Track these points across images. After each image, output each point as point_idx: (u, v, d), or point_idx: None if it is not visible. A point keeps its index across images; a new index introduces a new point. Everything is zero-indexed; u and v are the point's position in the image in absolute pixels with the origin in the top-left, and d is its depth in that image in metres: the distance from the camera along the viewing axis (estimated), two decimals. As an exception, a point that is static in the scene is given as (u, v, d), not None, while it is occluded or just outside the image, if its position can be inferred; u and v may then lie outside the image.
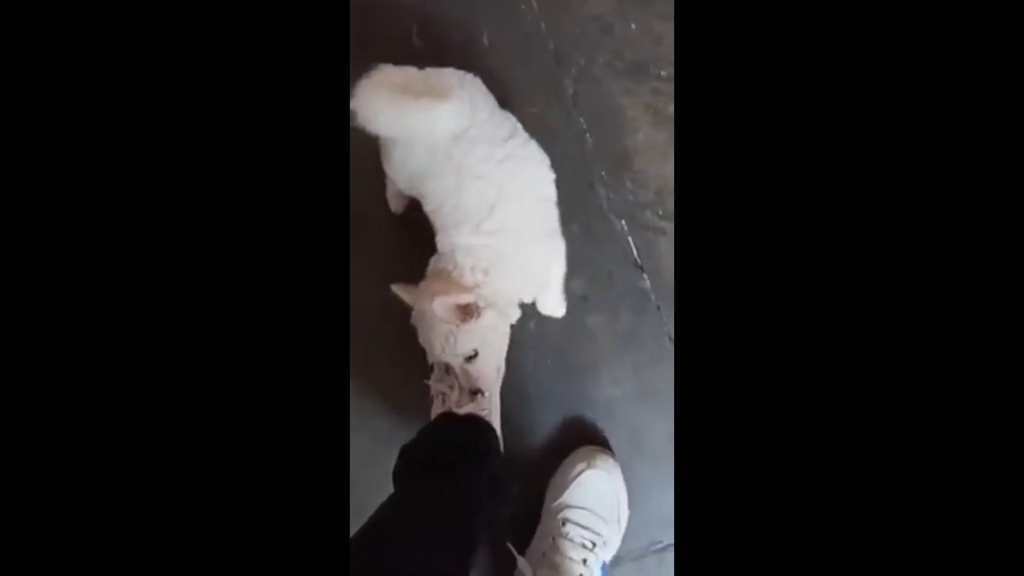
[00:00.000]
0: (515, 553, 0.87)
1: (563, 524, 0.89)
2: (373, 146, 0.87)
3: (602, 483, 0.91)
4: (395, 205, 0.98)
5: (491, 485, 0.81)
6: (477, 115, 0.80)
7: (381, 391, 0.99)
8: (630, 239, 1.01)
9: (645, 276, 1.00)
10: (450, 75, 0.82)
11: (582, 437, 0.98)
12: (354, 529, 0.69)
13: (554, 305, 0.96)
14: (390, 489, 0.77)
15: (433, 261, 0.84)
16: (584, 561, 0.87)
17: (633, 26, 1.03)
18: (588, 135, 1.02)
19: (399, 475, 0.80)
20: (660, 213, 1.01)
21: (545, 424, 0.99)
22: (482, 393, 0.87)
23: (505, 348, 0.87)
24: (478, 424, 0.86)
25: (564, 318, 0.98)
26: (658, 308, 1.00)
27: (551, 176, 0.85)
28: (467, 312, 0.79)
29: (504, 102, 0.86)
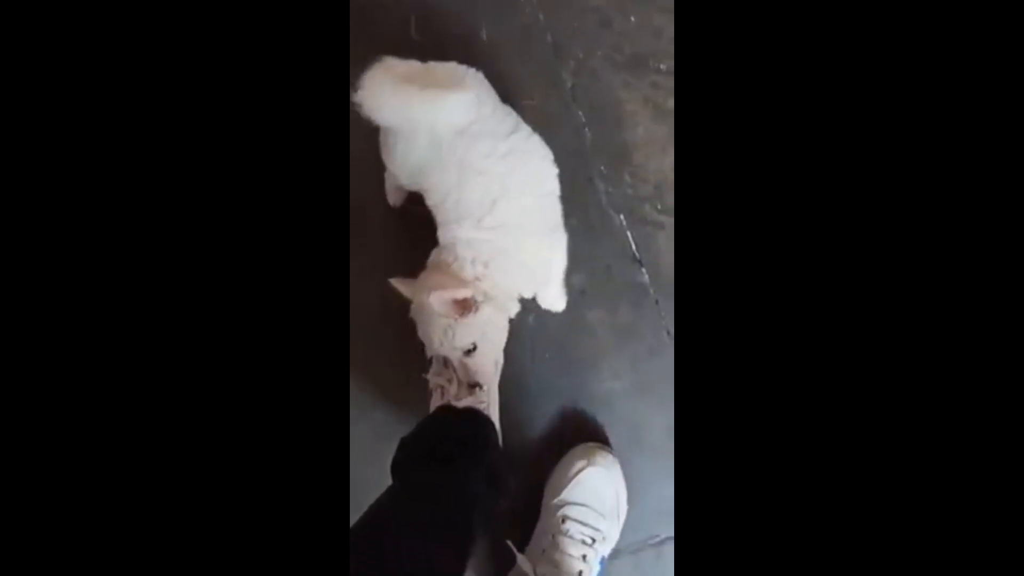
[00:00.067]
0: (515, 551, 0.87)
1: (563, 521, 0.89)
2: (372, 141, 0.87)
3: (602, 480, 0.91)
4: (394, 199, 0.98)
5: (490, 478, 0.81)
6: (481, 109, 0.80)
7: (380, 388, 0.99)
8: (629, 233, 1.01)
9: (644, 270, 1.00)
10: (455, 69, 0.82)
11: (580, 431, 0.98)
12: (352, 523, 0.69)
13: (554, 299, 0.96)
14: (388, 485, 0.78)
15: (434, 254, 0.84)
16: (584, 557, 0.87)
17: (632, 19, 1.03)
18: (587, 129, 1.02)
19: (398, 468, 0.80)
20: (659, 207, 1.01)
21: (544, 418, 0.99)
22: (480, 387, 0.87)
23: (503, 342, 0.87)
24: (477, 417, 0.86)
25: (563, 312, 0.98)
26: (656, 302, 1.00)
27: (554, 171, 0.85)
28: (465, 306, 0.79)
29: (502, 96, 0.86)
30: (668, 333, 0.99)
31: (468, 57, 0.84)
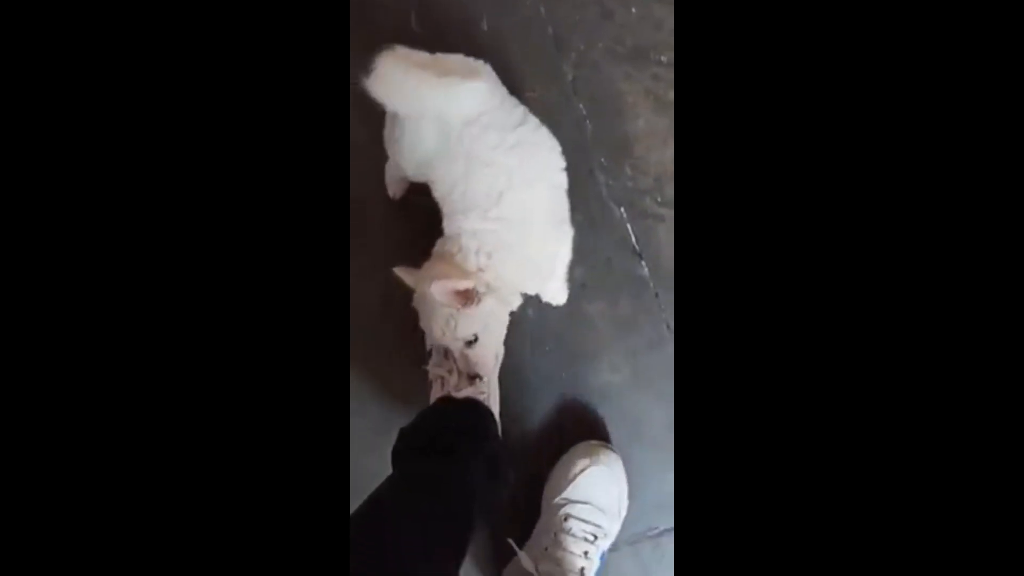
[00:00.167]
0: (516, 548, 0.87)
1: (565, 519, 0.89)
2: (373, 136, 0.87)
3: (605, 479, 0.91)
4: (394, 190, 0.98)
5: (489, 469, 0.82)
6: (491, 100, 0.79)
7: (379, 383, 0.99)
8: (629, 226, 1.01)
9: (643, 263, 1.00)
10: (465, 60, 0.81)
11: (580, 423, 0.98)
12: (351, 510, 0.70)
13: (556, 292, 0.96)
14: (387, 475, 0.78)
15: (439, 243, 0.84)
16: (586, 553, 0.87)
17: (633, 11, 1.02)
18: (588, 121, 1.02)
19: (397, 457, 0.80)
20: (659, 200, 1.01)
21: (543, 410, 0.99)
22: (480, 378, 0.88)
23: (504, 334, 0.88)
24: (477, 408, 0.87)
25: (563, 305, 0.98)
26: (656, 295, 1.00)
27: (562, 163, 0.84)
28: (467, 297, 0.79)
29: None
30: (668, 326, 0.99)
31: (469, 49, 0.84)
